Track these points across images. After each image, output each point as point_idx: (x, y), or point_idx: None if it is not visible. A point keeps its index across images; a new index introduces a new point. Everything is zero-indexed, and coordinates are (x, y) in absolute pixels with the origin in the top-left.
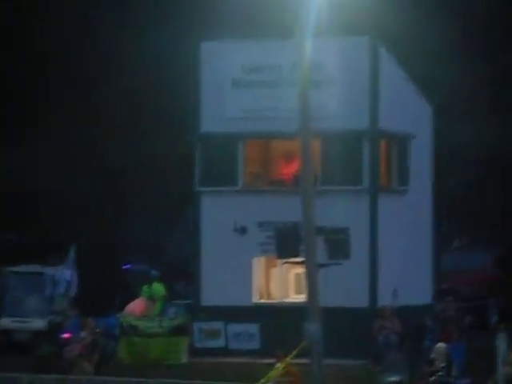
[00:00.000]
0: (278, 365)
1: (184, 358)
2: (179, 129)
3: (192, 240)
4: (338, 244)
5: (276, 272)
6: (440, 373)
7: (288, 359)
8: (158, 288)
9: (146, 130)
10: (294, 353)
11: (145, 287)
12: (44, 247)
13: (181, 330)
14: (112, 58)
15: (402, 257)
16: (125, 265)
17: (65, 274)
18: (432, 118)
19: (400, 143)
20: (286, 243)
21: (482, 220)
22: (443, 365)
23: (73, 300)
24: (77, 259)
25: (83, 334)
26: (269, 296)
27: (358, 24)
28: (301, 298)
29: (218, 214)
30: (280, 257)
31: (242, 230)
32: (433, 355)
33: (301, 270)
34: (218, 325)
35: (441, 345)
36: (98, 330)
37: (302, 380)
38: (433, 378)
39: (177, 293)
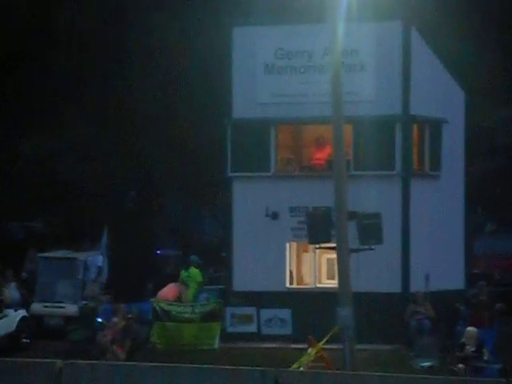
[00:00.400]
0: (310, 350)
1: (216, 344)
2: (212, 114)
3: (224, 225)
4: (370, 229)
5: (308, 257)
6: (471, 357)
7: (320, 344)
8: (195, 273)
9: (179, 116)
10: (326, 338)
11: (182, 271)
12: (77, 233)
13: (213, 316)
14: (145, 44)
15: (434, 242)
16: (157, 250)
17: (97, 259)
18: (465, 102)
19: (432, 128)
20: (317, 228)
21: None
22: (473, 349)
23: (105, 285)
24: (109, 244)
25: (115, 319)
26: (301, 281)
27: (390, 8)
28: (333, 283)
29: (249, 200)
30: (312, 242)
31: (274, 216)
32: (463, 340)
33: (333, 255)
34: (250, 310)
35: (471, 329)
36: (130, 315)
37: (334, 365)
38: (462, 363)
39: (208, 278)
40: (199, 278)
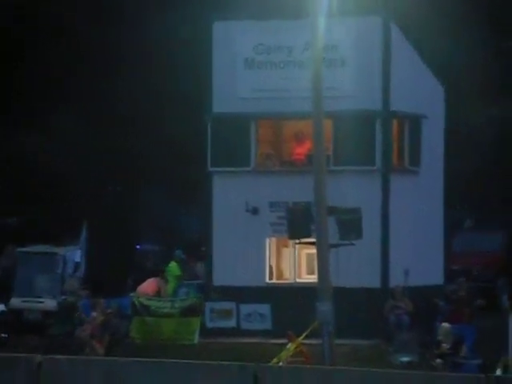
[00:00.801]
0: (290, 345)
1: (196, 339)
2: (192, 109)
3: (204, 220)
4: (350, 224)
5: (288, 252)
6: (447, 354)
7: (299, 339)
8: (172, 267)
9: (159, 111)
10: (306, 333)
11: (166, 266)
12: (56, 227)
13: (193, 311)
14: (125, 40)
15: (413, 237)
16: (137, 244)
17: (76, 253)
18: (444, 99)
19: (412, 124)
20: (297, 223)
21: (492, 202)
22: (449, 346)
23: (83, 280)
24: (89, 239)
25: (94, 314)
26: (280, 276)
27: (370, 4)
28: (312, 278)
29: (229, 195)
30: (292, 237)
31: (254, 211)
32: (439, 336)
33: (313, 250)
34: (229, 305)
35: (445, 325)
36: (109, 310)
37: (313, 360)
38: (440, 359)
39: (195, 273)
40: (177, 272)
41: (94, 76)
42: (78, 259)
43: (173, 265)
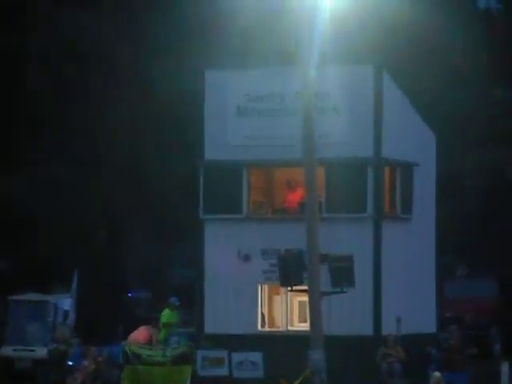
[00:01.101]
0: None
1: None
2: (184, 156)
3: (195, 267)
4: (342, 272)
5: (280, 300)
6: None
7: None
8: (166, 315)
9: (151, 158)
10: (298, 381)
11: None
12: (45, 274)
13: (184, 359)
14: (114, 86)
15: (405, 285)
16: (129, 292)
17: (67, 301)
18: (436, 146)
19: (404, 171)
20: (289, 271)
21: (484, 248)
22: None
23: (74, 328)
24: (80, 286)
25: (85, 362)
26: (272, 324)
27: (362, 52)
28: (305, 326)
29: (221, 242)
30: (284, 284)
31: (246, 258)
32: None
33: (305, 297)
34: (221, 353)
35: (436, 373)
36: (100, 358)
37: None
38: None
39: (182, 320)
40: (171, 320)
41: (84, 124)
42: (68, 307)
43: (166, 312)
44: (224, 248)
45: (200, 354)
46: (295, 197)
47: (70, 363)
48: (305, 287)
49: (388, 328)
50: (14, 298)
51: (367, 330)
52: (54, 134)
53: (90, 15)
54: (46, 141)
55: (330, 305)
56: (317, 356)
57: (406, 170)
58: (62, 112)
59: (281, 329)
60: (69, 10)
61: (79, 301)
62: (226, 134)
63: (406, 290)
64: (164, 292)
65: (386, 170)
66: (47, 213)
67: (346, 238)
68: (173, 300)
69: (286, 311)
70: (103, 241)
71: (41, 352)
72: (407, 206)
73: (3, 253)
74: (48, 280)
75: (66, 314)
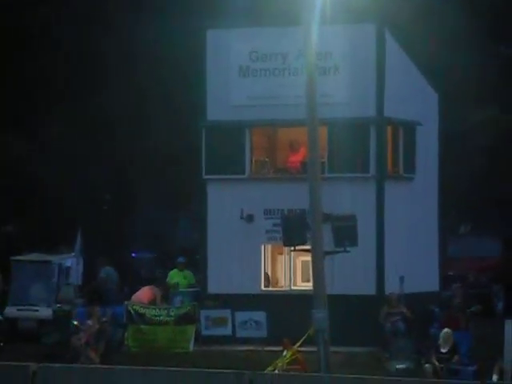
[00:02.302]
0: (285, 352)
1: (191, 347)
2: (186, 117)
3: (198, 228)
4: (345, 231)
5: (283, 260)
6: (443, 358)
7: (295, 347)
8: (174, 274)
9: (154, 118)
10: (301, 340)
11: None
12: (51, 236)
13: (188, 319)
14: (116, 46)
15: (408, 244)
16: (133, 253)
17: (71, 262)
18: (438, 105)
19: (406, 130)
20: (292, 231)
21: (487, 207)
22: (445, 350)
23: (79, 288)
24: (84, 247)
25: (89, 322)
26: (276, 284)
27: (364, 11)
28: (308, 285)
29: (224, 202)
30: (287, 244)
31: (249, 218)
32: (440, 341)
33: (308, 257)
34: (224, 313)
35: (446, 330)
36: (104, 318)
37: (309, 367)
38: (438, 363)
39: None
40: (172, 279)
41: (86, 84)
42: (73, 267)
43: (174, 272)
44: (227, 208)
45: (203, 313)
46: (298, 157)
47: (75, 323)
48: (308, 247)
49: (391, 287)
50: (17, 258)
51: (370, 289)
52: (60, 99)
53: None
54: (52, 105)
55: (333, 264)
56: (320, 315)
57: (409, 129)
58: (69, 77)
59: (284, 288)
60: None
61: (83, 261)
62: (228, 95)
63: (409, 249)
64: (169, 252)
65: (389, 129)
66: (54, 176)
67: (348, 197)
68: (180, 259)
69: (290, 271)
70: (109, 203)
71: (45, 312)
72: (410, 165)
73: (10, 216)
74: (55, 242)
75: (74, 273)
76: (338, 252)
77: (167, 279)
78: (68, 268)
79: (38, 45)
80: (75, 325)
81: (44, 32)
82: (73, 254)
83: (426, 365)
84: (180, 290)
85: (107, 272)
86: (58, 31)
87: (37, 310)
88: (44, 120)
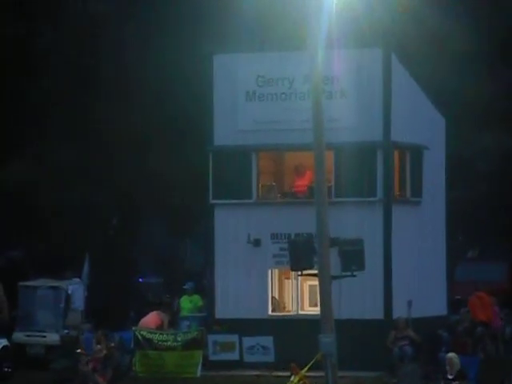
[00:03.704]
0: (293, 377)
1: (198, 372)
2: (193, 142)
3: (206, 252)
4: (352, 255)
5: (290, 284)
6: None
7: (303, 372)
8: (185, 301)
9: (160, 143)
10: (309, 365)
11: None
12: (58, 261)
13: (195, 344)
14: (123, 72)
15: (416, 268)
16: (140, 278)
17: (79, 287)
18: (445, 129)
19: (413, 155)
20: (299, 255)
21: (494, 232)
22: (451, 377)
23: (86, 314)
24: (91, 272)
25: (97, 348)
26: (283, 308)
27: (370, 35)
28: (315, 310)
29: (231, 227)
30: (294, 269)
31: (256, 243)
32: (447, 366)
33: (315, 281)
34: (232, 338)
35: (451, 355)
36: (112, 344)
37: None
38: None
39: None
40: (184, 306)
41: (92, 108)
42: (79, 293)
43: (184, 299)
44: (234, 233)
45: (211, 338)
46: (304, 181)
47: (78, 350)
48: (315, 271)
49: (399, 311)
50: (25, 283)
51: (378, 313)
52: (66, 122)
53: None
54: (58, 130)
55: (340, 289)
56: (328, 340)
57: (416, 153)
58: (74, 99)
59: (291, 313)
60: None
61: (91, 286)
62: (235, 119)
63: (417, 273)
64: (176, 278)
65: (396, 153)
66: (60, 201)
67: (355, 221)
68: (189, 285)
69: (297, 295)
70: (116, 228)
71: (52, 338)
72: (417, 189)
73: (16, 241)
74: (61, 267)
75: (81, 299)
76: (345, 276)
77: (177, 305)
78: (76, 294)
79: (40, 68)
80: (80, 352)
81: (46, 54)
82: (80, 279)
83: None
84: (187, 315)
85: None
86: (59, 56)
87: (44, 336)
88: (51, 146)
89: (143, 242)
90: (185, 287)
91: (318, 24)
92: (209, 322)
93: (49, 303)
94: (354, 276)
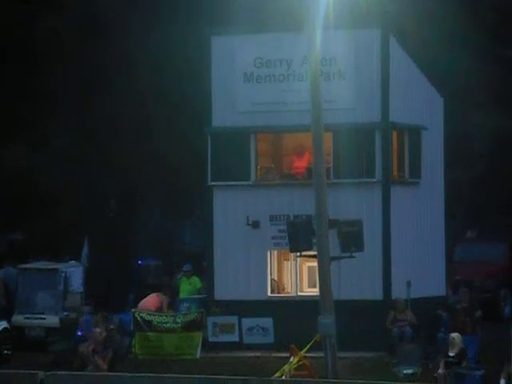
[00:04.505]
0: (292, 358)
1: (198, 353)
2: (191, 123)
3: (205, 234)
4: (351, 236)
5: (289, 265)
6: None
7: (302, 353)
8: (183, 283)
9: (158, 125)
10: (308, 346)
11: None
12: (58, 243)
13: (195, 325)
14: (121, 54)
15: (415, 248)
16: (139, 260)
17: (77, 269)
18: (444, 109)
19: (412, 135)
20: (298, 237)
21: (494, 212)
22: (452, 354)
23: (85, 296)
24: (90, 254)
25: (97, 330)
26: (282, 290)
27: (368, 16)
28: (314, 291)
29: (230, 209)
30: (293, 250)
31: (255, 224)
32: (449, 346)
33: (314, 263)
34: (231, 319)
35: (454, 335)
36: (111, 326)
37: (316, 373)
38: (445, 369)
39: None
40: (183, 288)
41: (91, 92)
42: (81, 274)
43: (183, 280)
44: (232, 215)
45: (210, 320)
46: (303, 162)
47: (80, 333)
48: (314, 252)
49: (398, 292)
50: (24, 266)
51: (377, 294)
52: (66, 107)
53: None
54: (58, 113)
55: (339, 270)
56: (327, 321)
57: (414, 133)
58: (74, 85)
59: (290, 294)
60: None
61: (90, 269)
62: (233, 101)
63: (416, 253)
64: (175, 260)
65: (394, 134)
66: (59, 183)
67: (354, 203)
68: (186, 267)
69: (296, 277)
70: (115, 211)
71: (52, 320)
72: (416, 170)
73: (16, 224)
74: (60, 250)
75: (75, 282)
76: (344, 257)
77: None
78: (75, 276)
79: (43, 55)
80: (80, 335)
81: (48, 40)
82: (80, 261)
83: (440, 371)
84: (187, 296)
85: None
86: (61, 42)
87: (44, 318)
88: (51, 129)
89: (142, 225)
90: (183, 269)
91: (315, 5)
92: (208, 303)
93: (48, 285)
94: (353, 257)
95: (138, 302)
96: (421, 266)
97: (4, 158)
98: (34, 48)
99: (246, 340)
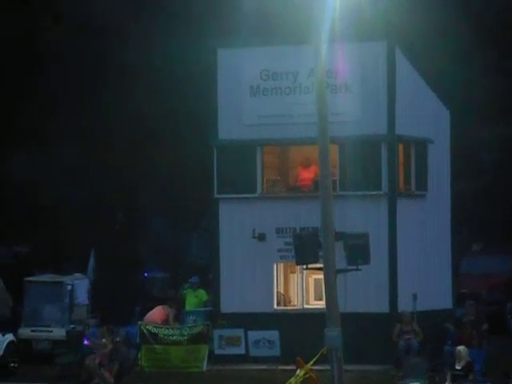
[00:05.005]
0: (299, 371)
1: (204, 366)
2: (197, 136)
3: (211, 247)
4: (357, 249)
5: (295, 278)
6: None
7: (308, 366)
8: (189, 294)
9: (165, 138)
10: (315, 359)
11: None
12: (64, 256)
13: (201, 338)
14: (128, 67)
15: (421, 261)
16: (145, 272)
17: (84, 282)
18: (450, 122)
19: (418, 148)
20: (305, 249)
21: (498, 225)
22: (459, 367)
23: (92, 309)
24: (96, 267)
25: (104, 341)
26: (288, 302)
27: (374, 29)
28: (320, 304)
29: (236, 221)
30: (299, 263)
31: (261, 237)
32: (456, 359)
33: (320, 275)
34: (238, 332)
35: (461, 348)
36: (118, 338)
37: None
38: (453, 382)
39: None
40: (189, 300)
41: (96, 102)
42: (85, 288)
43: (189, 292)
44: (239, 227)
45: (216, 333)
46: (309, 174)
47: (86, 342)
48: (320, 265)
49: (404, 305)
50: (30, 279)
51: (383, 307)
52: (70, 117)
53: None
54: (63, 124)
55: (345, 282)
56: (333, 334)
57: (420, 146)
58: (76, 91)
59: (297, 307)
60: None
61: (96, 281)
62: (239, 113)
63: (422, 266)
64: (181, 272)
65: (400, 146)
66: (66, 196)
67: (360, 215)
68: (194, 278)
69: (302, 289)
70: (121, 223)
71: (58, 333)
72: (422, 182)
73: (22, 237)
74: (66, 263)
75: (80, 294)
76: (351, 270)
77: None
78: (81, 289)
79: (45, 64)
80: (86, 345)
81: (51, 49)
82: (86, 274)
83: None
84: (193, 309)
85: None
86: (63, 45)
87: (50, 331)
88: (54, 141)
89: (148, 237)
90: (190, 281)
91: (322, 18)
92: (214, 316)
93: (54, 298)
94: (360, 270)
95: (144, 315)
96: (427, 279)
97: (9, 170)
98: (36, 57)
99: (252, 353)
